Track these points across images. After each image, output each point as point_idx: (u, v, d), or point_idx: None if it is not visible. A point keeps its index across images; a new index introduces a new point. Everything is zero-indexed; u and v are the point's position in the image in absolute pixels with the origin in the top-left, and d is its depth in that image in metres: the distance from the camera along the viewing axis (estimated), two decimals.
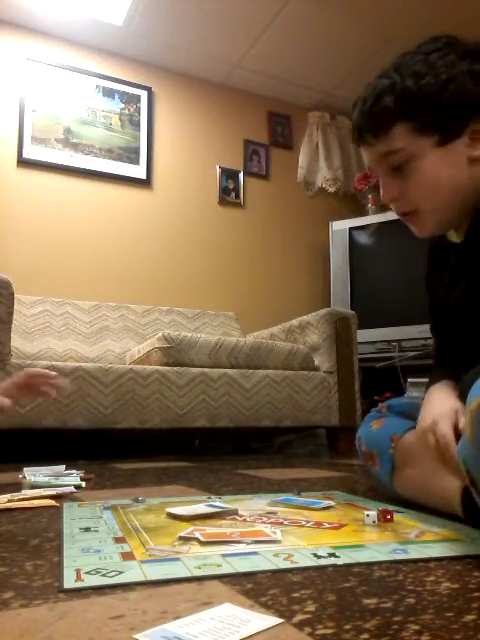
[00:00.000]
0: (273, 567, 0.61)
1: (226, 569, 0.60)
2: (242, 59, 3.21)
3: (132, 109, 3.17)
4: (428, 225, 0.89)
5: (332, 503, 1.00)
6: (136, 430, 2.07)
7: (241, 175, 3.41)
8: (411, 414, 1.03)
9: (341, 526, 0.81)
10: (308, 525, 0.82)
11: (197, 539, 0.72)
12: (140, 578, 0.57)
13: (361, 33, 2.97)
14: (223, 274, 3.28)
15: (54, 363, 2.00)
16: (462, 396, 0.80)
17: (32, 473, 1.41)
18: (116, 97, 3.14)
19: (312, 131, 3.60)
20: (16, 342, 2.28)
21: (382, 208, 3.13)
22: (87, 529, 0.81)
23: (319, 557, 0.65)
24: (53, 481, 1.31)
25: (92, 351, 2.52)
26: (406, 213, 0.89)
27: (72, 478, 1.37)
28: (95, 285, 2.93)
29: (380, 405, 1.18)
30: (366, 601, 0.51)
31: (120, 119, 3.13)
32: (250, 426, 2.25)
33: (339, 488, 1.26)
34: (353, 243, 3.22)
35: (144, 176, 3.14)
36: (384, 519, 0.83)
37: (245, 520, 0.86)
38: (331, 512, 0.94)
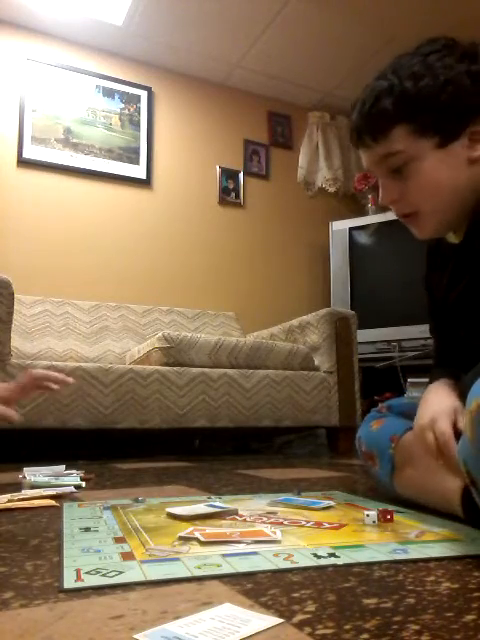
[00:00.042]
0: (273, 567, 0.61)
1: (226, 569, 0.60)
2: (242, 59, 3.21)
3: (132, 109, 3.17)
4: (428, 227, 0.89)
5: (332, 503, 1.00)
6: (136, 430, 2.07)
7: (241, 175, 3.41)
8: (411, 414, 1.02)
9: (341, 526, 0.81)
10: (308, 525, 0.82)
11: (197, 539, 0.72)
12: (140, 578, 0.57)
13: (361, 33, 2.97)
14: (223, 274, 3.28)
15: (54, 363, 2.00)
16: (462, 396, 0.80)
17: (32, 473, 1.41)
18: (116, 97, 3.14)
19: (312, 131, 3.60)
20: (16, 342, 2.28)
21: (382, 208, 3.12)
22: (87, 529, 0.81)
23: (319, 557, 0.65)
24: (53, 481, 1.31)
25: (92, 351, 2.52)
26: (406, 215, 0.89)
27: (72, 478, 1.37)
28: (95, 285, 2.93)
29: (380, 405, 1.18)
30: (366, 601, 0.51)
31: (120, 119, 3.13)
32: (250, 426, 2.25)
33: (339, 488, 1.26)
34: (353, 243, 3.22)
35: (144, 176, 3.14)
36: (384, 519, 0.83)
37: (245, 520, 0.86)
38: (331, 512, 0.94)
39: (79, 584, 0.56)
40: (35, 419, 1.89)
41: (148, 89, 3.22)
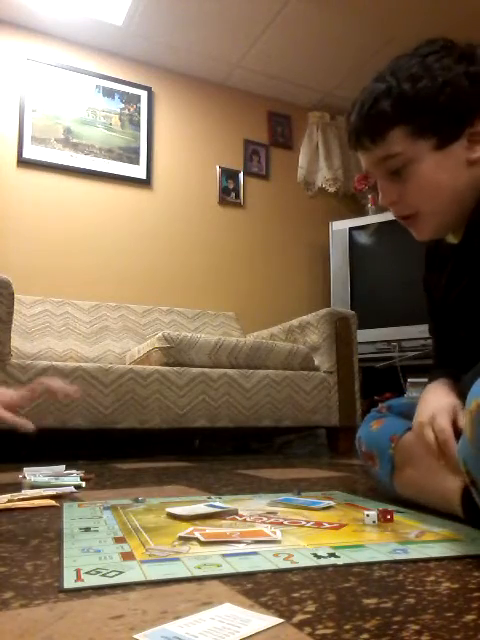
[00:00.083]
0: (273, 567, 0.61)
1: (226, 569, 0.60)
2: (242, 59, 3.21)
3: (132, 109, 3.17)
4: (428, 228, 0.89)
5: (332, 503, 1.00)
6: (136, 430, 2.07)
7: (241, 175, 3.41)
8: (411, 414, 1.02)
9: (341, 526, 0.81)
10: (308, 525, 0.82)
11: (197, 539, 0.72)
12: (140, 578, 0.57)
13: (361, 33, 2.97)
14: (223, 274, 3.28)
15: (54, 363, 2.00)
16: (462, 396, 0.80)
17: (32, 473, 1.41)
18: (116, 97, 3.14)
19: (312, 131, 3.60)
20: (16, 342, 2.28)
21: (382, 208, 3.12)
22: (87, 529, 0.81)
23: (319, 557, 0.65)
24: (53, 481, 1.31)
25: (92, 351, 2.52)
26: (405, 217, 0.89)
27: (72, 478, 1.37)
28: (95, 285, 2.93)
29: (380, 405, 1.18)
30: (366, 601, 0.51)
31: (120, 119, 3.13)
32: (250, 426, 2.25)
33: (339, 488, 1.26)
34: (353, 243, 3.22)
35: (144, 176, 3.14)
36: (384, 519, 0.83)
37: (245, 520, 0.86)
38: (331, 512, 0.94)
39: (79, 584, 0.56)
40: (35, 419, 1.87)
41: (148, 89, 3.22)
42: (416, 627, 0.44)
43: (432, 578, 0.58)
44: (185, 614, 0.47)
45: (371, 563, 0.63)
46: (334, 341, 2.45)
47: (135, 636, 0.43)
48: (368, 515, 0.83)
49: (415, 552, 0.67)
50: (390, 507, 0.90)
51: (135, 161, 3.13)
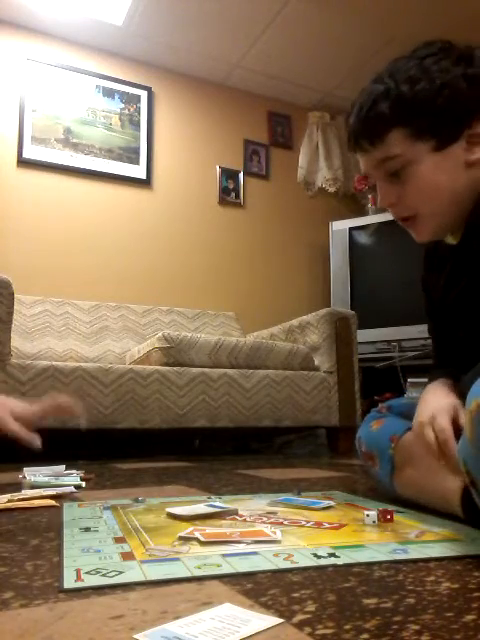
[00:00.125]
0: (273, 567, 0.61)
1: (226, 569, 0.60)
2: (242, 59, 3.21)
3: (132, 109, 3.17)
4: (427, 230, 0.89)
5: (332, 503, 1.00)
6: (136, 430, 2.07)
7: (241, 175, 3.41)
8: (411, 414, 1.02)
9: (341, 526, 0.81)
10: (308, 525, 0.82)
11: (197, 539, 0.72)
12: (140, 578, 0.57)
13: (361, 33, 2.97)
14: (223, 274, 3.28)
15: (54, 363, 2.00)
16: (462, 397, 0.80)
17: (32, 473, 1.41)
18: (116, 97, 3.14)
19: (312, 131, 3.60)
20: (16, 342, 2.28)
21: (382, 208, 3.12)
22: (87, 529, 0.81)
23: (319, 557, 0.65)
24: (53, 481, 1.31)
25: (92, 351, 2.52)
26: (405, 218, 0.89)
27: (72, 478, 1.37)
28: (95, 285, 2.93)
29: (380, 405, 1.18)
30: (366, 601, 0.51)
31: (120, 119, 3.13)
32: (250, 426, 2.25)
33: (339, 488, 1.26)
34: (353, 243, 3.22)
35: (144, 176, 3.14)
36: (384, 519, 0.83)
37: (245, 520, 0.86)
38: (331, 512, 0.94)
39: (79, 584, 0.56)
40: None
41: (148, 89, 3.22)
42: (416, 627, 0.44)
43: (432, 578, 0.58)
44: (185, 614, 0.47)
45: (371, 563, 0.63)
46: (334, 341, 2.45)
47: (135, 636, 0.43)
48: (368, 515, 0.83)
49: (415, 552, 0.67)
50: (390, 507, 0.90)
51: (135, 161, 3.13)
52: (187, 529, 0.77)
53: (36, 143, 2.89)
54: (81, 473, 1.47)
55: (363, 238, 3.22)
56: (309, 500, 1.02)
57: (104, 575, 0.58)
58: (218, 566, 0.61)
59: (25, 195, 2.85)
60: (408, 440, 0.96)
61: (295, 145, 3.61)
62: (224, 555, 0.65)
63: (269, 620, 0.46)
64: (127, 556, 0.66)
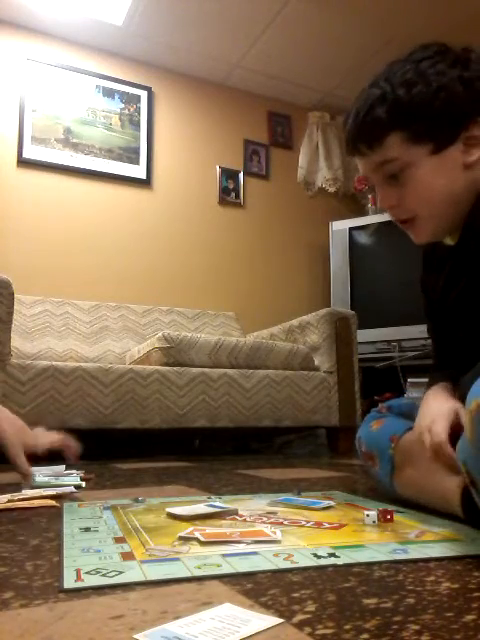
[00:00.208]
0: (273, 567, 0.61)
1: (226, 569, 0.60)
2: (242, 59, 3.21)
3: (132, 109, 3.17)
4: (426, 231, 0.90)
5: (332, 503, 1.00)
6: (136, 430, 2.07)
7: (241, 175, 3.41)
8: (411, 414, 1.03)
9: (341, 526, 0.81)
10: (308, 525, 0.82)
11: (197, 539, 0.72)
12: (140, 578, 0.57)
13: (361, 33, 2.97)
14: (223, 274, 3.28)
15: (54, 363, 2.00)
16: (462, 397, 0.81)
17: (33, 473, 1.41)
18: (116, 97, 3.14)
19: (312, 131, 3.60)
20: (16, 342, 2.28)
21: (382, 209, 3.13)
22: (87, 529, 0.81)
23: (319, 557, 0.65)
24: (53, 481, 1.31)
25: (92, 351, 2.52)
26: (404, 220, 0.90)
27: (72, 478, 1.37)
28: (95, 285, 2.93)
29: (380, 405, 1.18)
30: (366, 601, 0.51)
31: (120, 119, 3.13)
32: (250, 426, 2.25)
33: (339, 488, 1.26)
34: (353, 243, 3.22)
35: (144, 176, 3.14)
36: (384, 519, 0.83)
37: (245, 520, 0.86)
38: (331, 512, 0.94)
39: (79, 584, 0.56)
40: (35, 419, 1.89)
41: (148, 89, 3.22)
42: (416, 627, 0.44)
43: (432, 578, 0.58)
44: (185, 614, 0.47)
45: (371, 563, 0.63)
46: (334, 341, 2.45)
47: (135, 636, 0.43)
48: (368, 515, 0.83)
49: (415, 552, 0.67)
50: (390, 507, 0.90)
51: (135, 161, 3.13)
52: (187, 529, 0.77)
53: (36, 143, 2.89)
54: (81, 473, 1.47)
55: (363, 238, 3.22)
56: (309, 500, 1.02)
57: (104, 575, 0.58)
58: (218, 566, 0.61)
59: (25, 195, 2.85)
60: (408, 440, 0.96)
61: (295, 145, 3.61)
62: (224, 555, 0.65)
63: (269, 620, 0.46)
64: (127, 556, 0.66)
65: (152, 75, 3.26)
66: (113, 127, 3.11)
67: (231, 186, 3.38)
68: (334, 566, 0.62)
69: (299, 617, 0.47)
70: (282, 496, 1.08)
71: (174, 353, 2.18)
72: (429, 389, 0.96)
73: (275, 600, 0.51)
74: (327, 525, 0.82)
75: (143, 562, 0.63)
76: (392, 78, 0.84)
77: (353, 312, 2.57)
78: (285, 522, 0.84)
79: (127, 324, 2.77)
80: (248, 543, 0.71)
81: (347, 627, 0.44)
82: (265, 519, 0.87)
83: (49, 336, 2.51)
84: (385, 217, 3.02)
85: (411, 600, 0.51)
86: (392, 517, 0.84)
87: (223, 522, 0.85)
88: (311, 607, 0.49)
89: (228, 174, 3.38)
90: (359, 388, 2.50)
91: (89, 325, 2.67)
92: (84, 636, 0.43)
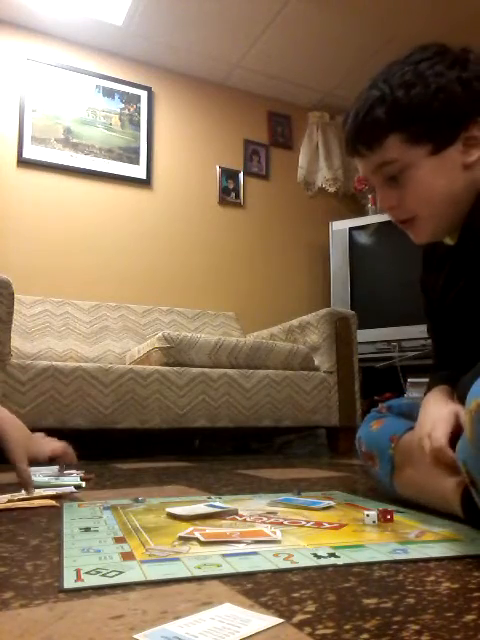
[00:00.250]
0: (273, 567, 0.61)
1: (226, 569, 0.60)
2: (242, 59, 3.21)
3: (132, 109, 3.17)
4: (425, 232, 0.90)
5: (332, 503, 1.00)
6: (136, 430, 2.07)
7: (241, 175, 3.41)
8: (411, 414, 1.03)
9: (341, 526, 0.81)
10: (308, 525, 0.82)
11: (197, 539, 0.72)
12: (140, 578, 0.57)
13: (361, 33, 2.97)
14: (223, 274, 3.28)
15: (54, 363, 2.00)
16: (461, 397, 0.81)
17: (32, 473, 1.40)
18: (116, 97, 3.14)
19: (312, 131, 3.60)
20: (16, 342, 2.28)
21: (381, 210, 3.13)
22: (87, 529, 0.81)
23: (319, 557, 0.65)
24: (53, 481, 1.31)
25: (92, 351, 2.52)
26: (403, 220, 0.90)
27: (72, 478, 1.37)
28: (95, 285, 2.93)
29: (380, 405, 1.18)
30: (366, 601, 0.51)
31: (120, 119, 3.13)
32: (250, 426, 2.25)
33: (339, 488, 1.26)
34: (353, 243, 3.22)
35: (144, 176, 3.14)
36: (384, 519, 0.83)
37: (245, 520, 0.86)
38: (331, 512, 0.94)
39: (79, 584, 0.56)
40: (35, 419, 1.89)
41: (148, 89, 3.22)
42: (416, 627, 0.44)
43: (432, 578, 0.58)
44: (185, 614, 0.47)
45: (371, 563, 0.63)
46: (334, 341, 2.45)
47: (135, 636, 0.43)
48: (368, 515, 0.83)
49: (415, 552, 0.67)
50: (390, 507, 0.90)
51: (135, 161, 3.13)
52: (187, 529, 0.77)
53: (36, 143, 2.89)
54: (81, 473, 1.47)
55: (363, 238, 3.22)
56: (309, 500, 1.02)
57: (104, 575, 0.58)
58: (218, 566, 0.61)
59: (25, 195, 2.85)
60: (408, 440, 0.96)
61: (295, 145, 3.61)
62: (224, 555, 0.65)
63: (269, 620, 0.46)
64: (127, 556, 0.66)
65: (152, 75, 3.26)
66: (113, 127, 3.11)
67: (231, 186, 3.38)
68: (334, 566, 0.62)
69: (299, 617, 0.47)
70: (282, 496, 1.08)
71: (174, 353, 2.18)
72: (428, 392, 0.96)
73: (275, 600, 0.51)
74: (327, 525, 0.82)
75: (143, 562, 0.63)
76: (391, 79, 0.84)
77: (353, 312, 2.57)
78: (285, 522, 0.84)
79: (127, 324, 2.77)
80: (248, 543, 0.71)
81: (347, 627, 0.44)
82: (265, 519, 0.87)
83: (49, 336, 2.51)
84: (385, 217, 3.02)
85: (411, 600, 0.51)
86: (392, 517, 0.84)
87: (223, 522, 0.85)
88: (311, 607, 0.49)
89: (228, 174, 3.38)
90: (359, 388, 2.50)
91: (89, 325, 2.67)
92: (84, 636, 0.43)
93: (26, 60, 2.93)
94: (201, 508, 0.93)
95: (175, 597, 0.52)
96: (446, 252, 0.96)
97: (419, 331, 2.73)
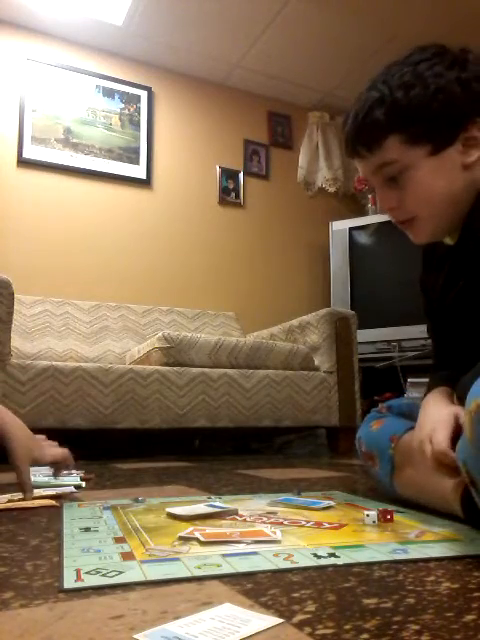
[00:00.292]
0: (273, 567, 0.61)
1: (226, 569, 0.60)
2: (242, 59, 3.21)
3: (132, 109, 3.17)
4: (425, 232, 0.90)
5: (332, 503, 1.00)
6: (136, 430, 2.07)
7: (241, 175, 3.41)
8: (411, 414, 1.03)
9: (341, 526, 0.81)
10: (308, 525, 0.82)
11: (197, 539, 0.72)
12: (140, 578, 0.57)
13: (361, 33, 2.97)
14: (223, 274, 3.28)
15: (54, 363, 2.00)
16: (461, 397, 0.81)
17: (32, 473, 1.40)
18: (116, 97, 3.14)
19: (312, 131, 3.60)
20: (16, 342, 2.28)
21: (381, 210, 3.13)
22: (87, 529, 0.81)
23: (319, 557, 0.65)
24: (53, 481, 1.31)
25: (92, 351, 2.52)
26: (403, 221, 0.90)
27: (72, 478, 1.37)
28: (95, 285, 2.93)
29: (380, 405, 1.18)
30: (366, 601, 0.51)
31: (120, 119, 3.13)
32: (250, 426, 2.25)
33: (339, 488, 1.26)
34: (353, 243, 3.22)
35: (144, 176, 3.14)
36: (384, 519, 0.83)
37: (245, 520, 0.86)
38: (331, 512, 0.94)
39: (79, 584, 0.56)
40: (35, 419, 1.89)
41: (148, 89, 3.22)
42: (416, 627, 0.44)
43: (432, 578, 0.58)
44: (185, 614, 0.47)
45: (371, 563, 0.63)
46: (334, 341, 2.45)
47: (135, 636, 0.43)
48: (368, 515, 0.83)
49: (415, 552, 0.67)
50: (390, 507, 0.90)
51: (135, 161, 3.13)
52: (187, 529, 0.77)
53: (36, 143, 2.89)
54: (81, 473, 1.47)
55: (363, 238, 3.22)
56: (309, 500, 1.02)
57: (104, 575, 0.58)
58: (218, 566, 0.61)
59: (25, 195, 2.85)
60: (408, 440, 0.96)
61: (295, 145, 3.61)
62: (224, 555, 0.65)
63: (269, 620, 0.46)
64: (127, 556, 0.66)
65: (152, 75, 3.26)
66: (113, 127, 3.11)
67: (231, 186, 3.38)
68: (334, 566, 0.62)
69: (299, 617, 0.47)
70: (282, 496, 1.08)
71: (174, 353, 2.18)
72: (428, 393, 0.96)
73: (275, 600, 0.51)
74: (327, 525, 0.82)
75: (143, 562, 0.63)
76: (390, 81, 0.84)
77: (353, 312, 2.57)
78: (285, 522, 0.84)
79: (127, 324, 2.77)
80: (248, 543, 0.71)
81: (347, 627, 0.44)
82: (265, 519, 0.87)
83: (49, 336, 2.51)
84: (385, 217, 3.01)
85: (411, 600, 0.51)
86: (392, 517, 0.84)
87: (223, 522, 0.85)
88: (311, 607, 0.49)
89: (228, 174, 3.38)
90: (359, 388, 2.50)
91: (89, 325, 2.67)
92: (84, 636, 0.43)
93: (26, 60, 2.93)
94: (201, 508, 0.93)
95: (175, 597, 0.52)
96: (446, 252, 0.96)
97: (419, 331, 2.73)
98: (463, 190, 0.85)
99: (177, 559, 0.64)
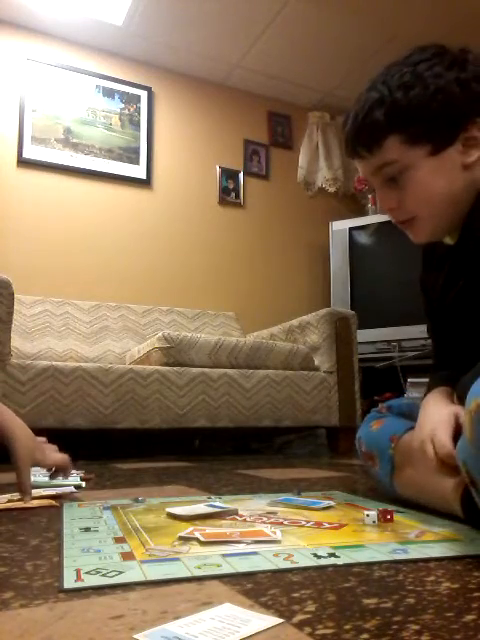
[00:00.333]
0: (273, 567, 0.61)
1: (226, 569, 0.60)
2: (242, 59, 3.21)
3: (132, 109, 3.17)
4: (425, 232, 0.91)
5: (332, 503, 1.00)
6: (136, 430, 2.07)
7: (241, 175, 3.41)
8: (411, 414, 1.03)
9: (341, 526, 0.81)
10: (308, 525, 0.82)
11: (197, 539, 0.72)
12: (140, 578, 0.57)
13: (361, 33, 2.97)
14: (223, 274, 3.28)
15: (54, 363, 2.00)
16: (461, 397, 0.81)
17: (32, 473, 1.40)
18: (116, 97, 3.14)
19: (312, 131, 3.60)
20: (16, 342, 2.28)
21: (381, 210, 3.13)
22: (87, 529, 0.81)
23: (319, 557, 0.65)
24: (53, 481, 1.31)
25: (92, 351, 2.52)
26: (403, 221, 0.90)
27: (72, 478, 1.37)
28: (95, 285, 2.93)
29: (380, 405, 1.18)
30: (366, 601, 0.51)
31: (120, 119, 3.13)
32: (250, 426, 2.25)
33: (339, 488, 1.26)
34: (353, 243, 3.22)
35: (144, 176, 3.14)
36: (384, 519, 0.83)
37: (245, 520, 0.86)
38: (331, 512, 0.94)
39: (79, 584, 0.56)
40: (35, 419, 1.89)
41: (148, 89, 3.22)
42: (416, 627, 0.44)
43: (432, 578, 0.58)
44: (185, 614, 0.47)
45: (371, 563, 0.63)
46: (334, 341, 2.45)
47: (135, 636, 0.43)
48: (368, 515, 0.83)
49: (415, 552, 0.67)
50: (390, 507, 0.90)
51: (135, 161, 3.13)
52: (187, 529, 0.77)
53: (36, 143, 2.89)
54: (81, 473, 1.47)
55: (363, 238, 3.22)
56: (309, 500, 1.02)
57: (104, 575, 0.58)
58: (218, 566, 0.61)
59: (25, 195, 2.85)
60: (408, 440, 0.96)
61: (295, 145, 3.61)
62: (224, 555, 0.65)
63: (269, 620, 0.46)
64: (127, 556, 0.66)
65: (152, 75, 3.26)
66: (113, 127, 3.11)
67: (231, 186, 3.38)
68: (334, 566, 0.62)
69: (299, 617, 0.47)
70: (282, 496, 1.08)
71: (174, 353, 2.18)
72: (428, 393, 0.96)
73: (275, 600, 0.51)
74: (327, 525, 0.82)
75: (143, 562, 0.63)
76: (390, 81, 0.84)
77: (353, 312, 2.57)
78: (285, 522, 0.84)
79: (127, 324, 2.77)
80: (248, 543, 0.71)
81: (347, 627, 0.44)
82: (265, 519, 0.87)
83: (49, 336, 2.51)
84: (385, 217, 3.00)
85: (411, 600, 0.51)
86: (392, 517, 0.84)
87: (223, 522, 0.85)
88: (311, 607, 0.49)
89: (228, 174, 3.38)
90: (359, 388, 2.50)
91: (89, 325, 2.67)
92: (84, 636, 0.43)
93: (26, 60, 2.93)
94: (201, 508, 0.93)
95: (175, 597, 0.52)
96: (446, 252, 0.96)
97: (419, 331, 2.73)
98: (463, 190, 0.85)
99: (177, 559, 0.64)
